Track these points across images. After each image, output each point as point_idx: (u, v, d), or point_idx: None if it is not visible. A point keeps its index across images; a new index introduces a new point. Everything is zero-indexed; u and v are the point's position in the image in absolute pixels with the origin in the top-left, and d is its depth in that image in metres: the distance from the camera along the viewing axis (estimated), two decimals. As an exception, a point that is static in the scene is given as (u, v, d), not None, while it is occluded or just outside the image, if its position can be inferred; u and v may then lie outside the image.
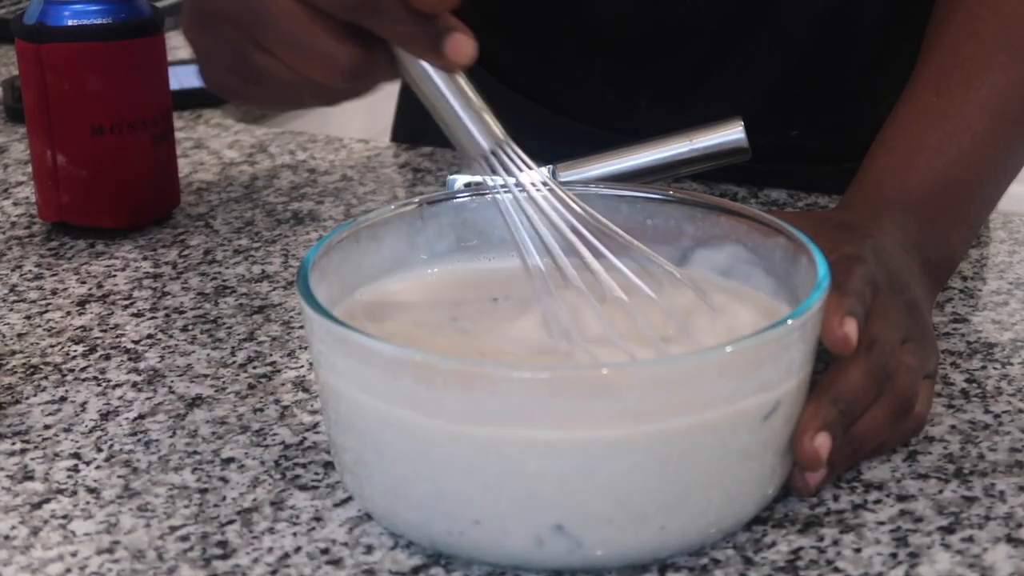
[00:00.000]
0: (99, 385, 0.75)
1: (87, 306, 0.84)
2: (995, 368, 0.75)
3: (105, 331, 0.81)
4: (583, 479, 0.57)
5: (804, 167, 1.01)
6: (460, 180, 0.85)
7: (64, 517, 0.64)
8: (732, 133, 0.82)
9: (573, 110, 1.03)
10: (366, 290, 0.69)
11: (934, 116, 0.80)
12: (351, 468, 0.62)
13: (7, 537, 0.63)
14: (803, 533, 0.62)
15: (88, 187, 0.91)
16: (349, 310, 0.67)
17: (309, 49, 0.63)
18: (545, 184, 0.65)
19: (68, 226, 0.93)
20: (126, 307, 0.84)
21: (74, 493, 0.66)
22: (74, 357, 0.78)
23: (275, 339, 0.79)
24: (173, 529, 0.63)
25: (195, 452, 0.69)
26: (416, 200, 0.71)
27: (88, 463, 0.68)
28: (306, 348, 0.78)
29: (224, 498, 0.65)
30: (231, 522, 0.64)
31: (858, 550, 0.61)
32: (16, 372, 0.76)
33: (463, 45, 0.62)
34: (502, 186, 0.65)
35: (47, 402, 0.73)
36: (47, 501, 0.65)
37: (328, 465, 0.67)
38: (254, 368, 0.76)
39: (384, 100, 1.26)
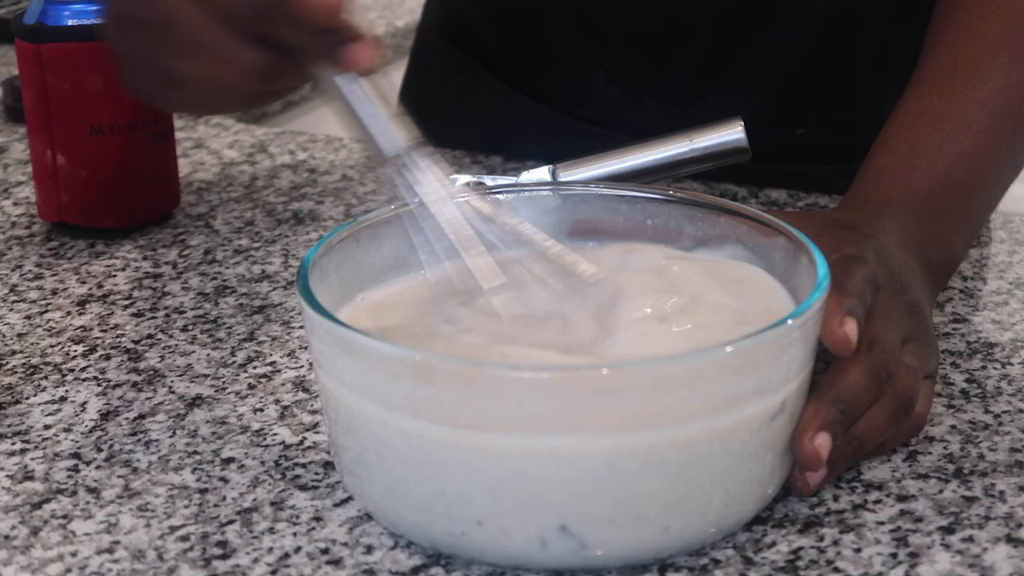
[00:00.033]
0: (99, 385, 0.75)
1: (87, 306, 0.84)
2: (995, 368, 0.75)
3: (105, 331, 0.81)
4: (584, 479, 0.57)
5: (806, 167, 1.01)
6: (460, 180, 0.85)
7: (64, 517, 0.64)
8: (732, 133, 0.82)
9: (578, 109, 1.03)
10: (366, 290, 0.69)
11: (935, 116, 0.80)
12: (351, 468, 0.62)
13: (7, 537, 0.63)
14: (803, 533, 0.62)
15: (88, 187, 0.91)
16: (349, 310, 0.67)
17: (213, 51, 0.65)
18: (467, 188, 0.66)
19: (68, 226, 0.93)
20: (126, 307, 0.84)
21: (74, 493, 0.66)
22: (74, 357, 0.78)
23: (275, 339, 0.79)
24: (173, 529, 0.63)
25: (195, 452, 0.69)
26: (416, 200, 0.70)
27: (88, 463, 0.68)
28: (306, 348, 0.78)
29: (224, 498, 0.65)
30: (231, 522, 0.64)
31: (858, 550, 0.61)
32: (16, 372, 0.76)
33: (360, 53, 0.63)
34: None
35: (47, 402, 0.73)
36: (47, 501, 0.65)
37: (328, 465, 0.67)
38: (254, 368, 0.76)
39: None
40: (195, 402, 0.73)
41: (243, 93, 0.67)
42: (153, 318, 0.82)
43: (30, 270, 0.89)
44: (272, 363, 0.77)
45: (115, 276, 0.87)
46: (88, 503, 0.65)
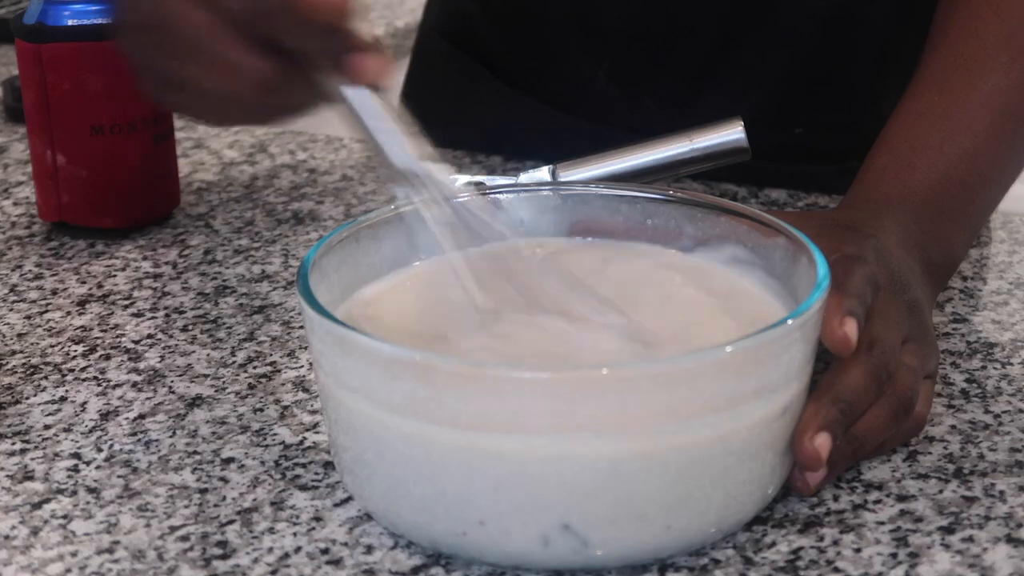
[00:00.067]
0: (99, 385, 0.75)
1: (87, 306, 0.84)
2: (995, 368, 0.75)
3: (105, 331, 0.81)
4: (585, 479, 0.57)
5: (807, 166, 1.01)
6: (460, 180, 0.85)
7: (64, 517, 0.64)
8: (732, 133, 0.82)
9: (578, 109, 1.03)
10: (366, 290, 0.69)
11: (935, 116, 0.80)
12: (351, 468, 0.62)
13: (7, 537, 0.63)
14: (803, 533, 0.62)
15: (88, 187, 0.91)
16: (349, 310, 0.67)
17: (218, 60, 0.63)
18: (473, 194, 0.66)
19: (68, 226, 0.93)
20: (126, 307, 0.84)
21: (74, 493, 0.66)
22: (74, 357, 0.78)
23: (275, 339, 0.79)
24: (173, 529, 0.63)
25: (195, 452, 0.69)
26: (416, 200, 0.70)
27: (88, 463, 0.68)
28: (306, 348, 0.78)
29: (224, 498, 0.65)
30: (231, 522, 0.64)
31: (858, 550, 0.61)
32: (16, 372, 0.76)
33: (368, 64, 0.62)
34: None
35: (47, 402, 0.73)
36: (47, 501, 0.65)
37: (328, 465, 0.67)
38: (254, 368, 0.76)
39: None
40: (195, 402, 0.73)
41: (253, 104, 0.66)
42: (153, 318, 0.82)
43: (30, 270, 0.89)
44: (272, 363, 0.77)
45: (115, 276, 0.87)
46: (88, 503, 0.65)
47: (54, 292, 0.86)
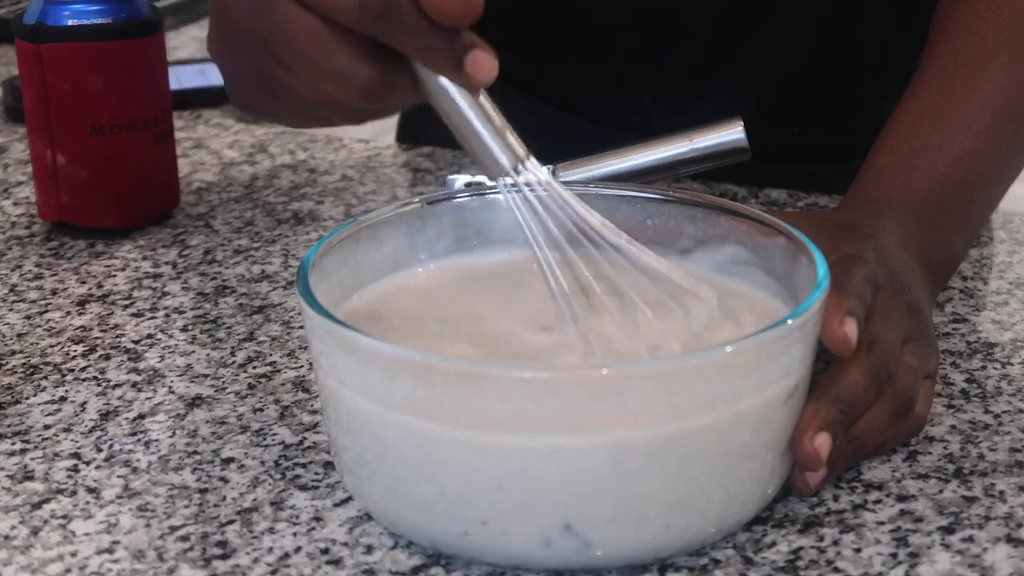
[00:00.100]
0: (99, 385, 0.75)
1: (87, 306, 0.84)
2: (995, 368, 0.75)
3: (105, 331, 0.81)
4: (585, 479, 0.57)
5: (806, 166, 1.01)
6: (460, 180, 0.85)
7: (64, 517, 0.64)
8: (732, 133, 0.82)
9: (578, 108, 1.03)
10: (366, 290, 0.69)
11: (935, 116, 0.80)
12: (351, 468, 0.62)
13: (7, 537, 0.63)
14: (803, 533, 0.62)
15: (88, 187, 0.91)
16: (349, 310, 0.67)
17: (328, 68, 0.62)
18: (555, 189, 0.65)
19: (68, 226, 0.93)
20: (126, 307, 0.84)
21: (74, 493, 0.66)
22: (74, 357, 0.78)
23: (275, 339, 0.79)
24: (173, 529, 0.63)
25: (195, 452, 0.69)
26: (416, 200, 0.71)
27: (88, 463, 0.68)
28: (306, 348, 0.78)
29: (224, 498, 0.65)
30: (231, 522, 0.64)
31: (858, 550, 0.61)
32: (16, 372, 0.76)
33: (485, 62, 0.61)
34: (512, 186, 0.64)
35: (47, 402, 0.73)
36: (47, 501, 0.65)
37: (328, 465, 0.67)
38: (254, 368, 0.76)
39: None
40: (195, 402, 0.73)
41: (353, 109, 0.65)
42: (153, 318, 0.82)
43: (30, 270, 0.89)
44: (272, 363, 0.77)
45: (115, 276, 0.87)
46: (88, 503, 0.65)
47: (54, 292, 0.86)
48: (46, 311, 0.83)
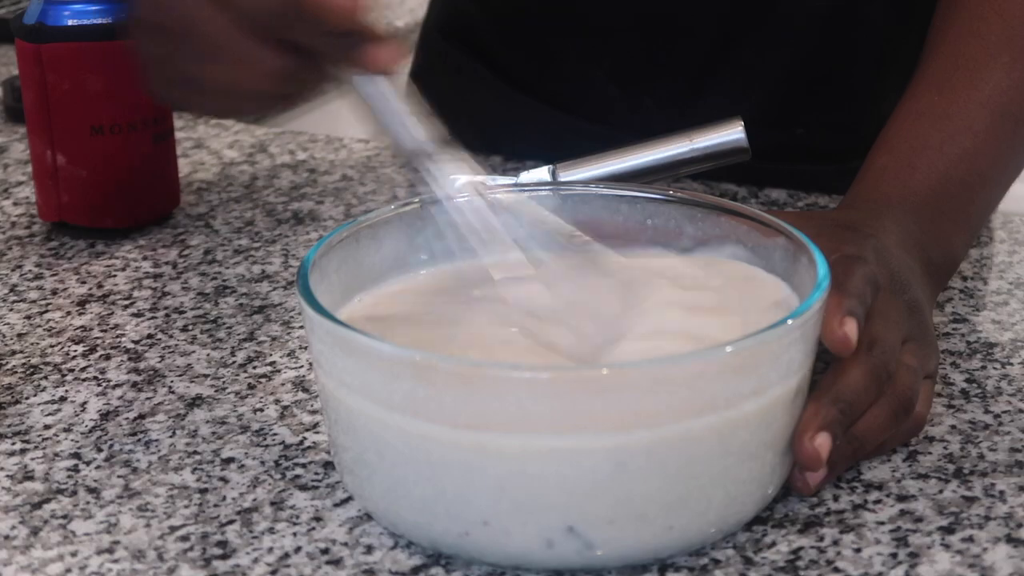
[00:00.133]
0: (99, 385, 0.75)
1: (87, 306, 0.84)
2: (995, 368, 0.75)
3: (105, 331, 0.81)
4: (585, 479, 0.57)
5: (807, 166, 1.01)
6: (460, 180, 0.85)
7: (64, 517, 0.64)
8: (732, 133, 0.82)
9: (578, 109, 1.04)
10: (366, 290, 0.69)
11: (936, 116, 0.80)
12: (351, 468, 0.62)
13: (7, 537, 0.63)
14: (803, 533, 0.62)
15: (88, 187, 0.91)
16: (349, 310, 0.67)
17: (233, 55, 0.65)
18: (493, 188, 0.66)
19: (68, 226, 0.93)
20: (126, 307, 0.84)
21: (74, 493, 0.66)
22: (74, 357, 0.78)
23: (275, 339, 0.79)
24: (173, 529, 0.63)
25: (195, 452, 0.69)
26: (416, 200, 0.71)
27: (88, 463, 0.68)
28: (306, 348, 0.78)
29: (224, 498, 0.65)
30: (231, 522, 0.64)
31: (858, 550, 0.61)
32: (16, 372, 0.76)
33: (383, 54, 0.63)
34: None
35: (47, 402, 0.73)
36: (47, 501, 0.65)
37: (328, 465, 0.67)
38: (254, 368, 0.76)
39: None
40: (195, 402, 0.73)
41: (264, 97, 0.67)
42: (153, 318, 0.82)
43: (30, 270, 0.89)
44: (272, 363, 0.77)
45: (115, 276, 0.87)
46: (88, 503, 0.65)
47: (54, 292, 0.86)
48: (46, 311, 0.83)
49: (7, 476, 0.67)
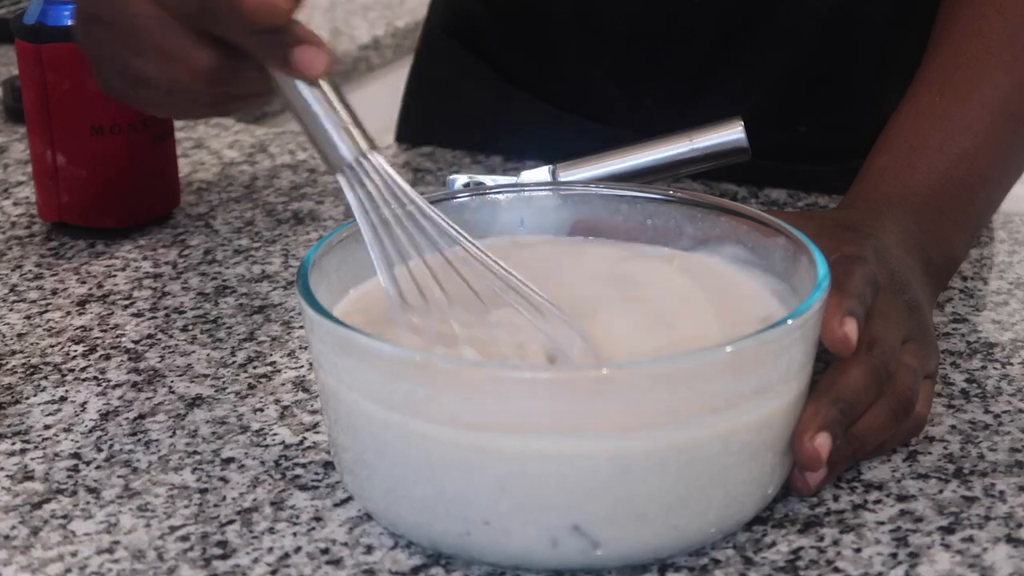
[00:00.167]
0: (99, 385, 0.75)
1: (87, 306, 0.84)
2: (995, 368, 0.75)
3: (105, 331, 0.81)
4: (585, 479, 0.57)
5: (807, 166, 1.01)
6: (460, 180, 0.85)
7: (64, 517, 0.64)
8: (732, 133, 0.82)
9: (579, 109, 1.03)
10: (366, 290, 0.69)
11: (936, 116, 0.80)
12: (351, 468, 0.62)
13: (7, 537, 0.63)
14: (803, 533, 0.62)
15: (88, 187, 0.91)
16: (349, 310, 0.67)
17: (167, 50, 0.65)
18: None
19: (68, 226, 0.93)
20: (126, 307, 0.84)
21: (74, 493, 0.66)
22: (74, 357, 0.78)
23: (275, 339, 0.79)
24: (173, 529, 0.63)
25: (195, 452, 0.69)
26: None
27: (88, 463, 0.68)
28: (306, 348, 0.78)
29: (224, 498, 0.65)
30: (231, 522, 0.64)
31: (858, 550, 0.61)
32: (16, 372, 0.76)
33: (313, 56, 0.62)
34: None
35: (47, 402, 0.73)
36: (47, 501, 0.65)
37: (328, 465, 0.67)
38: (254, 368, 0.76)
39: (383, 99, 1.26)
40: (195, 402, 0.73)
41: (204, 95, 0.67)
42: (153, 318, 0.82)
43: (30, 270, 0.89)
44: (272, 363, 0.77)
45: (115, 276, 0.87)
46: (88, 503, 0.65)
47: (54, 292, 0.86)
48: (46, 311, 0.83)
49: (7, 476, 0.67)
